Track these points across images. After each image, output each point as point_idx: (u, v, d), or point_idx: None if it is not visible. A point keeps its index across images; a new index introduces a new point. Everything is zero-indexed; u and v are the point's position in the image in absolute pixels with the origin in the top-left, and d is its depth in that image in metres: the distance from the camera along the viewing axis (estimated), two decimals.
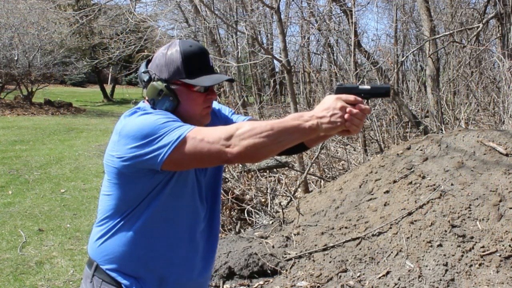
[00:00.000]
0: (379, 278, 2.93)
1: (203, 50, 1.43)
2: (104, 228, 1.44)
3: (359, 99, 1.30)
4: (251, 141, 1.20)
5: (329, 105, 1.27)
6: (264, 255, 3.32)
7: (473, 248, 2.91)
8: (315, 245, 3.38)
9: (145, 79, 1.42)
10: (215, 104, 1.64)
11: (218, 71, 5.48)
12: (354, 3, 6.93)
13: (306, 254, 3.32)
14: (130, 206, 1.40)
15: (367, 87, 1.35)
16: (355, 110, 1.27)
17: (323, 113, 1.26)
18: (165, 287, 1.45)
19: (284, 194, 4.98)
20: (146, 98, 1.46)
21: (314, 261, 3.25)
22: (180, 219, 1.44)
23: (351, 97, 1.30)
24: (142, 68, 1.45)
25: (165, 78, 1.40)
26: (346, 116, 1.27)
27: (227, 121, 1.62)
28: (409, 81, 11.23)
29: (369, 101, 1.39)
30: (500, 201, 3.08)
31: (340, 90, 1.33)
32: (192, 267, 1.50)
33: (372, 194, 3.66)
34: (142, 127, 1.28)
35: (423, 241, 3.02)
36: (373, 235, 3.25)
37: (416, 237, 3.08)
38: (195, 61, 1.40)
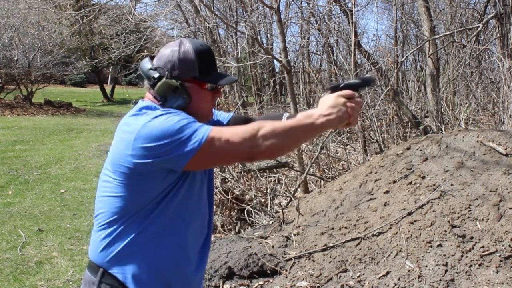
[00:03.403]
0: (379, 278, 2.93)
1: (211, 49, 1.49)
2: (110, 230, 1.40)
3: (355, 93, 1.41)
4: (274, 141, 1.29)
5: (333, 103, 1.36)
6: (264, 255, 3.32)
7: (473, 248, 2.91)
8: (315, 245, 3.38)
9: (155, 76, 1.41)
10: None
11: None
12: (354, 3, 6.93)
13: (306, 254, 3.32)
14: (140, 207, 1.38)
15: (356, 81, 1.45)
16: (353, 104, 1.38)
17: (329, 110, 1.35)
18: None
19: (284, 194, 4.98)
20: (153, 95, 1.45)
21: (314, 261, 3.25)
22: (190, 218, 1.45)
23: (349, 92, 1.40)
24: (148, 65, 1.44)
25: (178, 75, 1.41)
26: (349, 110, 1.37)
27: (216, 120, 1.70)
28: (409, 81, 11.22)
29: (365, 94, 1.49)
30: (500, 201, 3.08)
31: (334, 89, 1.42)
32: (191, 267, 1.50)
33: (372, 194, 3.66)
34: (167, 127, 1.28)
35: (423, 241, 3.02)
36: (373, 235, 3.25)
37: (416, 237, 3.08)
38: (207, 60, 1.45)
